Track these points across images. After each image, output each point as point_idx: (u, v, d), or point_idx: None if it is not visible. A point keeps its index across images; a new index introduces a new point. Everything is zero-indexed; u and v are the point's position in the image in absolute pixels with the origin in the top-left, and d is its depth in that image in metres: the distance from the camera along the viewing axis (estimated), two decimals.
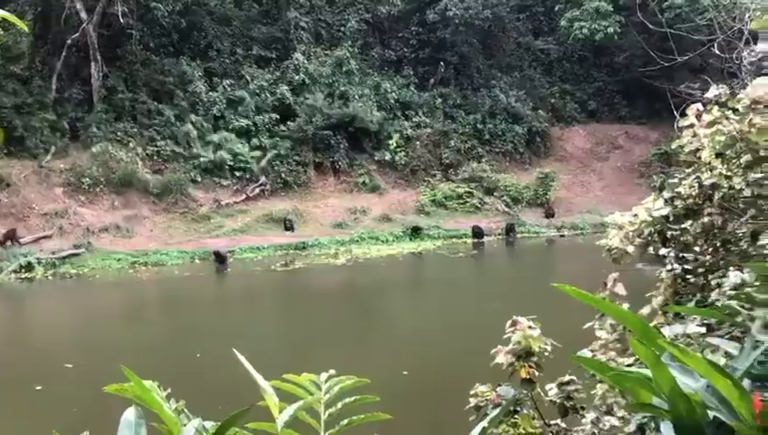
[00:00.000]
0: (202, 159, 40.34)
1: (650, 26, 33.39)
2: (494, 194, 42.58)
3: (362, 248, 36.70)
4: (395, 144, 43.79)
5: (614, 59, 47.20)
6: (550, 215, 41.54)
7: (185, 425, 2.80)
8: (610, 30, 44.03)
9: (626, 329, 6.38)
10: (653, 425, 3.24)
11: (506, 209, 41.73)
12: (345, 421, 3.41)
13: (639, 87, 45.35)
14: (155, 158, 40.10)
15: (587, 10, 44.87)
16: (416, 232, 38.77)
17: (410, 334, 21.89)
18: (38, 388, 16.44)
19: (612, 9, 44.42)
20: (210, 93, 42.34)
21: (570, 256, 35.43)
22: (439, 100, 45.93)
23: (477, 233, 38.49)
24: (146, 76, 41.71)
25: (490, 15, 45.50)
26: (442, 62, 45.94)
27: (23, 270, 32.23)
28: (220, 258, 33.97)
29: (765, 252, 5.50)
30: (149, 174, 39.13)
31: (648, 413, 2.92)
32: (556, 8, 47.60)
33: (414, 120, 44.99)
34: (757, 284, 5.13)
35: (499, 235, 39.40)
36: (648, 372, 2.75)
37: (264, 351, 17.58)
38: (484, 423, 3.25)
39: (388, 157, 43.51)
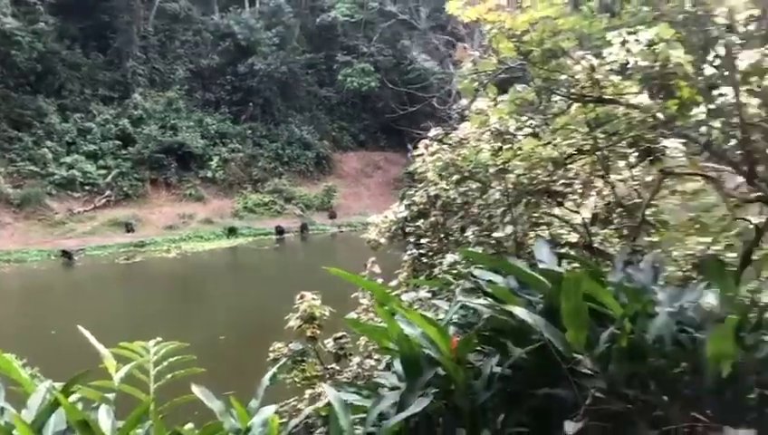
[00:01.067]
0: (56, 176, 37.31)
1: (391, 86, 34.65)
2: (292, 202, 42.62)
3: (189, 245, 35.44)
4: (215, 164, 42.63)
5: (376, 104, 48.53)
6: (333, 216, 42.21)
7: (38, 386, 2.67)
8: (372, 84, 45.49)
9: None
10: (390, 362, 3.46)
11: (301, 213, 41.85)
12: (169, 376, 3.37)
13: (396, 124, 47.05)
14: (15, 175, 36.57)
15: (356, 69, 46.03)
16: (232, 232, 37.98)
17: (227, 309, 21.45)
18: None
19: (374, 69, 45.90)
20: (63, 124, 39.15)
21: (347, 246, 36.06)
22: (249, 131, 45.26)
23: (279, 231, 38.39)
24: (7, 109, 37.89)
25: (286, 70, 45.45)
26: (251, 103, 45.29)
27: None
28: (67, 255, 32.00)
29: (468, 240, 5.95)
30: (11, 188, 35.73)
31: (387, 354, 3.13)
32: (335, 66, 48.31)
33: (230, 146, 44.01)
34: (462, 262, 5.56)
35: (296, 232, 39.47)
36: (386, 326, 2.94)
37: (107, 326, 16.52)
38: (274, 369, 3.30)
39: (209, 174, 42.28)
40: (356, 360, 6.46)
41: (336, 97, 50.44)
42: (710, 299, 3.26)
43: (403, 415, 2.37)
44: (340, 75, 47.00)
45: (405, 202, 6.56)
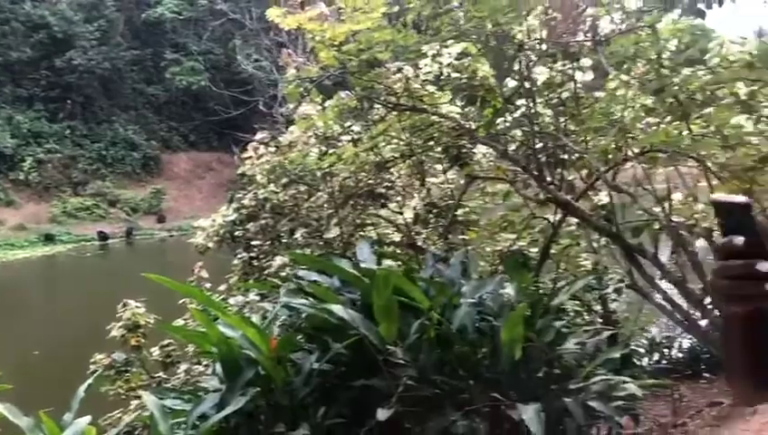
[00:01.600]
0: None
1: (220, 87, 33.93)
2: (117, 205, 40.12)
3: None
4: (28, 166, 39.04)
5: (207, 104, 47.12)
6: (161, 220, 40.31)
7: None
8: (203, 83, 44.14)
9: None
10: (213, 366, 3.47)
11: (127, 217, 39.52)
12: None
13: (228, 124, 46.13)
14: None
15: (185, 67, 44.44)
16: (49, 238, 35.00)
17: (42, 322, 19.83)
18: None
19: (204, 68, 44.58)
20: None
21: (176, 251, 34.61)
22: (68, 130, 41.90)
23: (103, 237, 35.95)
24: None
25: (109, 66, 42.78)
26: (69, 101, 42.00)
27: None
28: None
29: (298, 242, 6.05)
30: None
31: (208, 358, 3.14)
32: (162, 64, 46.26)
33: (46, 146, 40.45)
34: (291, 264, 5.65)
35: (121, 237, 37.25)
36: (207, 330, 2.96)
37: None
38: (90, 381, 3.19)
39: (22, 176, 38.63)
40: (183, 367, 6.28)
41: (164, 96, 48.26)
42: (508, 290, 3.63)
43: (221, 415, 2.42)
44: (169, 73, 45.06)
45: (234, 205, 6.50)
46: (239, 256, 6.97)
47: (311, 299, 3.32)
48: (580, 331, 3.92)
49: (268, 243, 6.84)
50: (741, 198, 0.99)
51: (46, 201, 38.52)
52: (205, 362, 6.27)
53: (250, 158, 6.64)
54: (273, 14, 4.12)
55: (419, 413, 2.96)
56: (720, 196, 1.01)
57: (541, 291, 4.09)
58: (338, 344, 2.99)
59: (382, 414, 2.69)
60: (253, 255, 6.85)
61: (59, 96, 41.98)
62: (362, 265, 3.73)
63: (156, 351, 6.48)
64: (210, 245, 6.57)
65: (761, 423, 3.45)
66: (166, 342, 6.57)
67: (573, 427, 3.07)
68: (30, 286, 27.60)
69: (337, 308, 2.98)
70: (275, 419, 2.64)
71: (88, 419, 2.64)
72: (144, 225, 39.29)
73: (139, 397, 6.21)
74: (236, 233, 6.48)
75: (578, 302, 6.10)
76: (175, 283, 3.33)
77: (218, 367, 2.83)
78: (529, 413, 2.76)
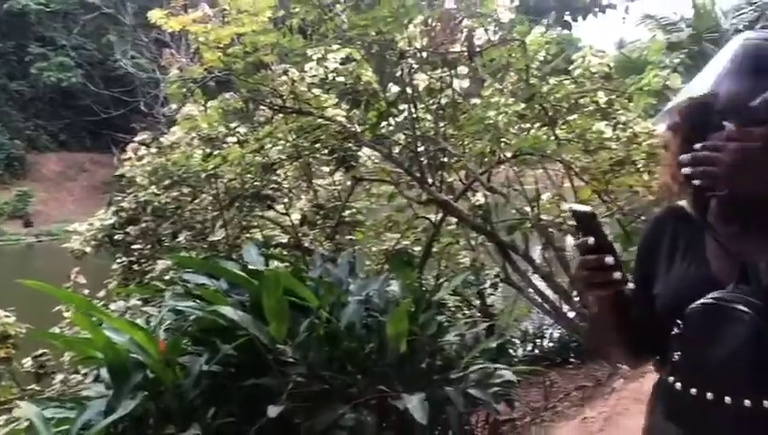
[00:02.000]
0: None
1: (93, 84, 32.35)
2: None
3: None
4: None
5: (79, 102, 44.56)
6: (28, 224, 37.70)
7: None
8: (74, 80, 41.69)
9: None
10: (98, 373, 3.38)
11: None
12: None
13: (103, 123, 43.83)
14: None
15: (54, 62, 41.82)
16: None
17: None
18: None
19: (75, 64, 42.14)
20: None
21: (47, 257, 32.59)
22: None
23: None
24: None
25: None
26: None
27: None
28: None
29: (182, 245, 5.93)
30: None
31: (91, 364, 3.06)
32: (27, 58, 43.24)
33: None
34: (175, 268, 5.54)
35: None
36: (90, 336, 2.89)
37: None
38: None
39: None
40: (59, 377, 5.99)
41: (30, 92, 45.12)
42: (393, 287, 3.78)
43: (109, 419, 2.38)
44: (34, 69, 42.19)
45: (113, 208, 6.27)
46: (118, 260, 6.73)
47: (198, 302, 3.31)
48: (460, 324, 4.14)
49: (149, 247, 6.66)
50: (588, 208, 1.22)
51: None
52: (84, 371, 6.02)
53: (130, 159, 6.43)
54: (155, 15, 4.05)
55: (309, 409, 3.03)
56: (574, 205, 1.24)
57: (424, 287, 4.28)
58: (227, 346, 3.00)
59: (272, 411, 2.74)
60: (133, 259, 6.64)
61: None
62: (250, 266, 3.75)
63: (28, 362, 6.14)
64: (87, 250, 6.29)
65: (616, 400, 3.82)
66: (39, 352, 6.24)
67: (455, 414, 3.26)
68: None
69: (227, 310, 3.00)
70: (165, 421, 2.63)
71: None
72: (9, 229, 36.55)
73: (10, 410, 5.87)
74: (116, 237, 6.25)
75: (458, 297, 6.40)
76: (54, 289, 3.21)
77: (103, 372, 2.77)
78: (413, 403, 2.91)
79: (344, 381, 3.26)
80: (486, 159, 4.84)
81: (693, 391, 1.19)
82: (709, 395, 1.16)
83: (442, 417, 3.20)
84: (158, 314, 3.54)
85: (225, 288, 3.57)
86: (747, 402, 1.13)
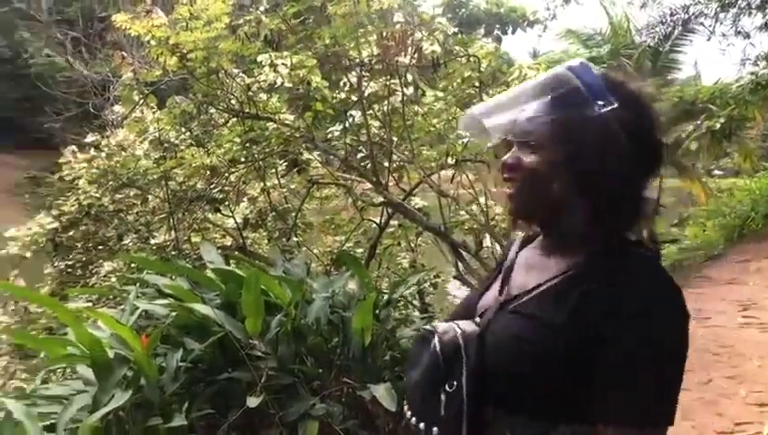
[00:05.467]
0: None
1: None
2: None
3: None
4: None
5: None
6: None
7: None
8: None
9: (26, 310, 6.15)
10: (70, 370, 3.40)
11: None
12: None
13: (9, 123, 41.73)
14: None
15: None
16: None
17: None
18: None
19: None
20: None
21: None
22: None
23: None
24: None
25: None
26: None
27: None
28: None
29: (127, 248, 5.91)
30: None
31: (68, 362, 3.09)
32: None
33: None
34: (122, 269, 5.53)
35: None
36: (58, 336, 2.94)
37: None
38: None
39: None
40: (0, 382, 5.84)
41: None
42: (351, 285, 3.97)
43: (106, 410, 2.46)
44: None
45: (53, 212, 6.15)
46: (54, 264, 6.61)
47: (168, 300, 3.40)
48: (415, 319, 4.37)
49: (87, 251, 6.56)
50: None
51: None
52: (24, 377, 5.89)
53: (69, 162, 6.33)
54: (119, 19, 4.09)
55: (281, 400, 3.18)
56: None
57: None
58: (202, 341, 3.11)
59: (252, 402, 2.88)
60: (69, 263, 6.53)
61: None
62: (212, 266, 3.86)
63: None
64: (27, 254, 6.15)
65: None
66: None
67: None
68: None
69: (202, 307, 3.11)
70: (147, 413, 2.71)
71: None
72: None
73: None
74: (59, 241, 6.15)
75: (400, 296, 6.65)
76: (23, 289, 3.23)
77: (82, 369, 2.83)
78: (380, 392, 3.10)
79: (310, 373, 3.42)
80: (433, 164, 5.11)
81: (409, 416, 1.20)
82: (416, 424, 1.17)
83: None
84: (120, 313, 3.59)
85: (187, 287, 3.66)
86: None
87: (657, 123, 1.16)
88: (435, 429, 1.12)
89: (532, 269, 1.20)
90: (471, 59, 4.67)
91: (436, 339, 1.15)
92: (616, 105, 1.10)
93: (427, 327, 1.21)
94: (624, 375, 1.02)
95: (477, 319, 1.22)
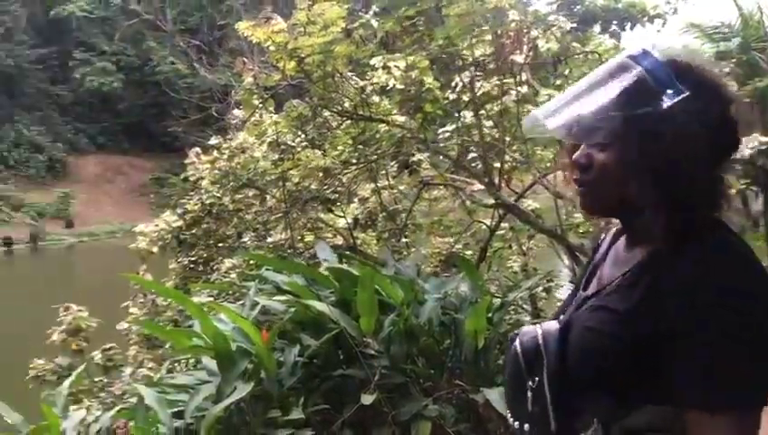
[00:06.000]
0: None
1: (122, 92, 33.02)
2: (22, 210, 38.04)
3: None
4: None
5: (117, 105, 45.56)
6: (70, 225, 38.58)
7: None
8: (115, 84, 42.70)
9: (153, 303, 6.56)
10: (194, 361, 3.59)
11: (32, 222, 37.55)
12: None
13: (138, 128, 44.83)
14: None
15: (96, 67, 42.84)
16: None
17: None
18: None
19: (116, 69, 43.14)
20: None
21: (88, 256, 33.45)
22: None
23: (7, 242, 34.14)
24: None
25: (12, 63, 40.61)
26: None
27: None
28: None
29: (245, 245, 6.16)
30: None
31: (193, 353, 3.26)
32: (70, 63, 44.37)
33: None
34: (242, 266, 5.76)
35: (27, 243, 35.40)
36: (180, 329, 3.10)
37: None
38: (75, 374, 3.25)
39: None
40: (128, 370, 6.25)
41: (71, 96, 46.23)
42: (464, 287, 3.94)
43: (229, 401, 2.58)
44: (78, 73, 43.23)
45: (178, 211, 6.52)
46: (179, 260, 6.99)
47: (286, 296, 3.51)
48: (523, 324, 4.27)
49: (207, 248, 6.89)
50: None
51: None
52: (149, 366, 6.27)
53: (193, 163, 6.68)
54: (242, 27, 4.28)
55: (393, 399, 3.20)
56: None
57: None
58: (317, 338, 3.19)
59: (366, 399, 2.92)
60: (192, 259, 6.89)
61: None
62: (327, 264, 3.95)
63: (98, 355, 6.41)
64: (154, 250, 6.56)
65: None
66: (108, 345, 6.51)
67: None
68: None
69: (318, 304, 3.19)
70: (266, 406, 2.82)
71: (83, 412, 2.73)
72: (51, 230, 37.45)
73: (79, 401, 6.14)
74: (183, 238, 6.50)
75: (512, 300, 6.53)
76: (152, 283, 3.44)
77: (206, 360, 2.97)
78: (494, 396, 3.06)
79: (423, 374, 3.42)
80: (548, 164, 4.98)
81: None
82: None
83: None
84: (240, 308, 3.74)
85: (302, 284, 3.76)
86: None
87: (731, 105, 1.10)
88: (526, 426, 1.15)
89: (617, 262, 1.21)
90: (589, 56, 4.50)
91: (517, 341, 1.19)
92: (687, 93, 1.05)
93: (516, 332, 1.24)
94: (710, 356, 1.00)
95: (561, 317, 1.24)
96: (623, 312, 1.07)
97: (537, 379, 1.14)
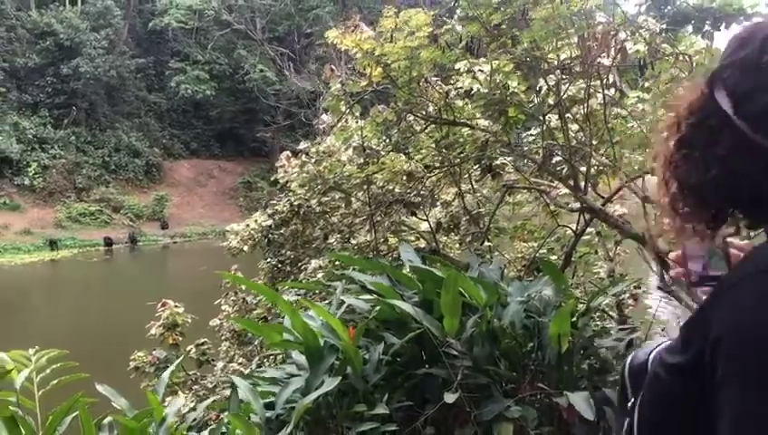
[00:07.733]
0: None
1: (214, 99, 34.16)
2: (121, 212, 40.22)
3: (5, 258, 32.20)
4: (33, 171, 39.16)
5: (209, 112, 47.42)
6: (165, 227, 40.48)
7: None
8: (208, 92, 44.45)
9: (243, 301, 6.83)
10: (281, 358, 3.74)
11: (131, 223, 39.64)
12: (55, 381, 3.40)
13: (228, 133, 46.55)
14: None
15: (190, 76, 44.76)
16: (53, 243, 35.10)
17: (68, 322, 19.85)
18: None
19: (209, 77, 44.92)
20: None
21: (184, 257, 35.02)
22: (73, 137, 42.05)
23: (108, 242, 36.19)
24: None
25: (115, 74, 42.99)
26: (74, 107, 42.14)
27: None
28: None
29: (331, 247, 6.33)
30: None
31: (283, 347, 3.40)
32: (166, 72, 46.58)
33: (50, 152, 40.58)
34: (327, 266, 5.92)
35: (126, 243, 37.42)
36: (285, 324, 3.24)
37: None
38: (173, 366, 3.46)
39: (27, 182, 38.70)
40: (220, 365, 6.56)
41: (166, 103, 48.51)
42: (547, 291, 3.91)
43: (317, 393, 2.69)
44: (173, 82, 45.33)
45: (268, 211, 6.79)
46: (267, 260, 7.26)
47: (372, 295, 3.60)
48: (615, 330, 4.19)
49: (295, 248, 7.12)
50: None
51: (51, 206, 38.66)
52: (239, 361, 6.55)
53: (283, 166, 6.93)
54: (331, 35, 4.43)
55: (476, 399, 3.23)
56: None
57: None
58: (401, 337, 3.26)
59: (449, 398, 2.97)
60: (281, 259, 7.13)
61: (64, 103, 42.14)
62: (411, 265, 4.01)
63: (192, 349, 6.76)
64: (245, 248, 6.84)
65: None
66: (201, 340, 6.86)
67: (613, 415, 3.34)
68: (41, 290, 27.74)
69: (403, 304, 3.26)
70: (352, 400, 2.91)
71: (182, 400, 2.91)
72: (148, 231, 39.46)
73: (174, 392, 6.48)
74: (271, 237, 6.76)
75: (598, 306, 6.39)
76: (247, 281, 3.60)
77: (296, 355, 3.10)
78: (578, 400, 3.04)
79: (505, 376, 3.43)
80: (636, 167, 4.87)
81: None
82: None
83: (603, 416, 3.29)
84: (327, 307, 3.86)
85: (386, 284, 3.84)
86: None
87: None
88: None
89: None
90: (680, 57, 4.38)
91: (629, 357, 1.16)
92: None
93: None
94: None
95: None
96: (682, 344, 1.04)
97: (633, 399, 1.11)
